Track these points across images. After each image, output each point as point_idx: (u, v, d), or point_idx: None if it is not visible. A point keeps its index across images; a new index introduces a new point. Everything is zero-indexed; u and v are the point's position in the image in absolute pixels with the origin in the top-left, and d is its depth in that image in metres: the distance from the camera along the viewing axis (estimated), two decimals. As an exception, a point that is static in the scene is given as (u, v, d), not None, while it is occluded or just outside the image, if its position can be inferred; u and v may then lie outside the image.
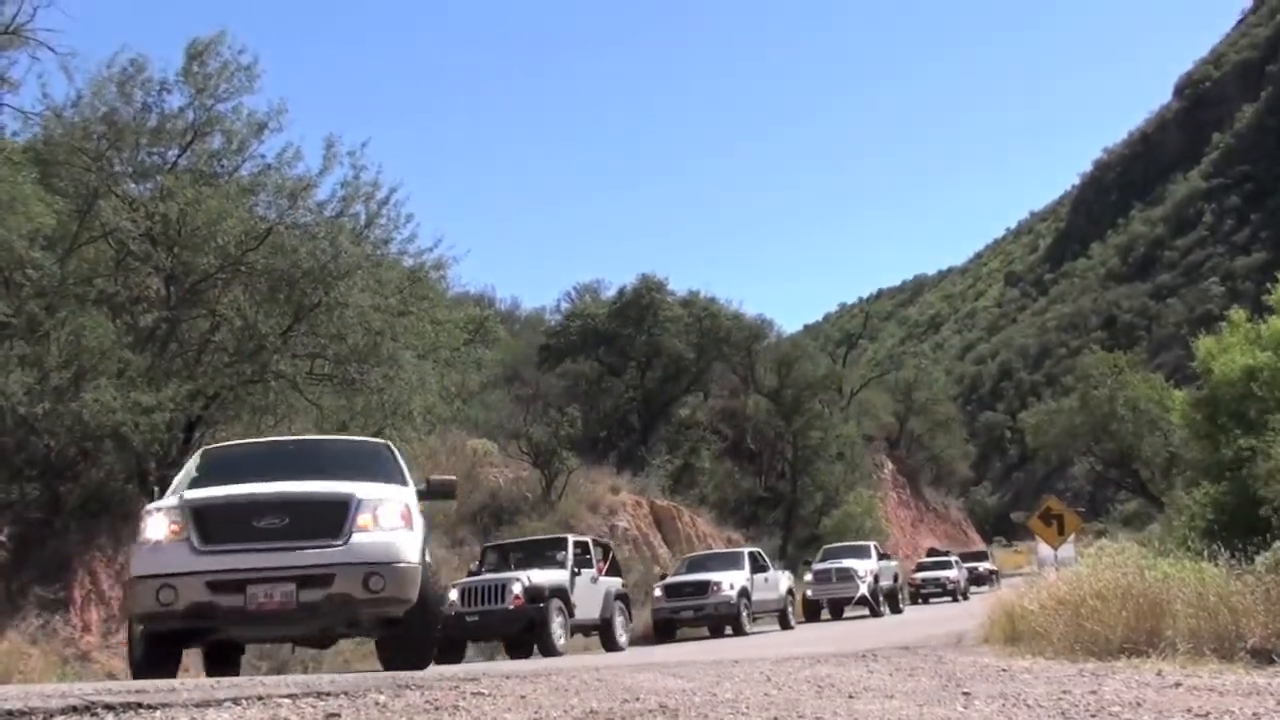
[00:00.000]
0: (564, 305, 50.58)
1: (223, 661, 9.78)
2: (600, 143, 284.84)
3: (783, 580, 25.81)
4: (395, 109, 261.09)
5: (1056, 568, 16.64)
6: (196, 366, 17.60)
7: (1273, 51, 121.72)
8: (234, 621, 7.96)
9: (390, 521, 8.13)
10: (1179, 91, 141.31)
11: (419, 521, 8.45)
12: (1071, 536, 19.70)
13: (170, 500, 8.29)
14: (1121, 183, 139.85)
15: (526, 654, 17.86)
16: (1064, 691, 5.58)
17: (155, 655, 8.35)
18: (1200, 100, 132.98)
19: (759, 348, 46.99)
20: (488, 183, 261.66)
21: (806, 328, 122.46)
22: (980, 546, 60.64)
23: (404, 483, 8.97)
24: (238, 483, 8.42)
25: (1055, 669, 7.42)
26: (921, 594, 37.35)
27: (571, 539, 19.81)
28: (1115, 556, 11.90)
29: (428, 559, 8.63)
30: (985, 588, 40.36)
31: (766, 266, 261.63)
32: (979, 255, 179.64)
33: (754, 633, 22.67)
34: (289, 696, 4.74)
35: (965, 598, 35.32)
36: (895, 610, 29.01)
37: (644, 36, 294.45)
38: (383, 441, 10.70)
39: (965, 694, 5.65)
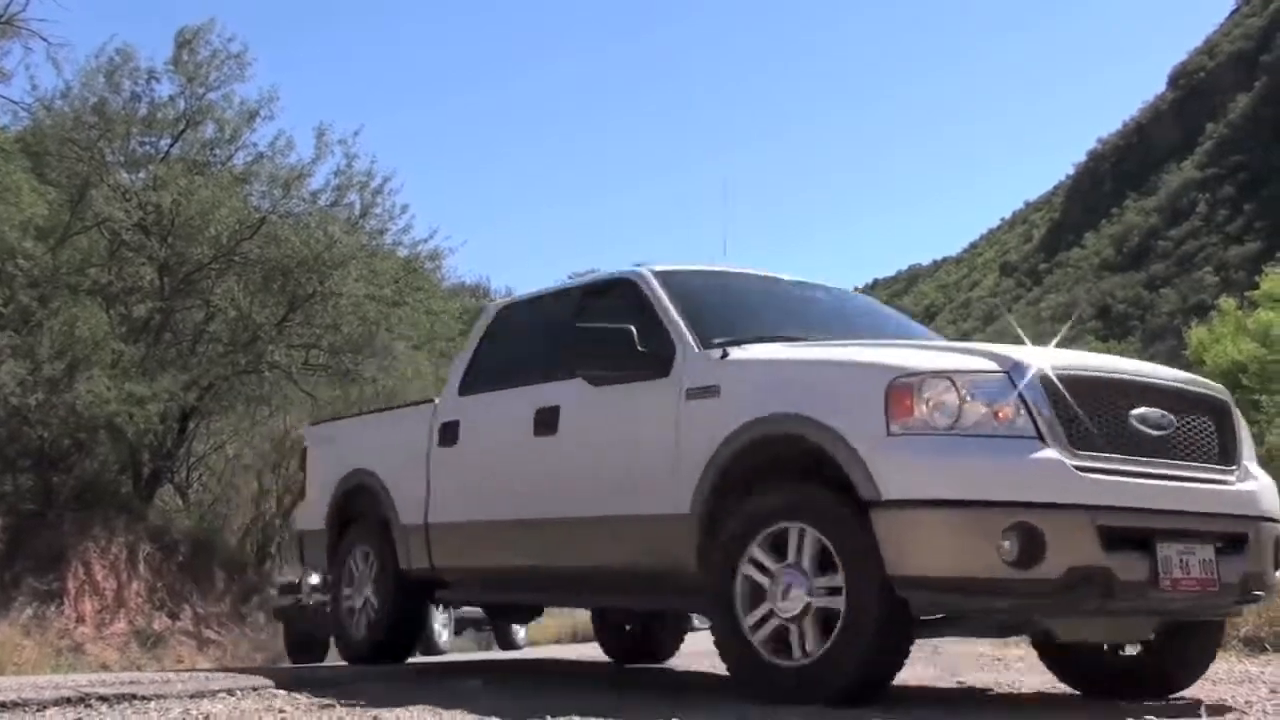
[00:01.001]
0: (558, 295, 50.59)
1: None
2: (597, 133, 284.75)
3: None
4: (390, 99, 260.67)
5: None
6: (191, 357, 17.57)
7: (1266, 42, 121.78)
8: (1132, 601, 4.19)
9: None
10: (1173, 81, 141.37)
11: None
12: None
13: (984, 362, 4.29)
14: (1116, 173, 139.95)
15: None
16: (1057, 681, 5.60)
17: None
18: (1194, 90, 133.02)
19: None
20: (483, 172, 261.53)
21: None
22: None
23: None
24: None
25: (1049, 658, 7.43)
26: None
27: None
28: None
29: None
30: None
31: (762, 256, 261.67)
32: (974, 245, 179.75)
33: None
34: (283, 688, 4.75)
35: None
36: None
37: (643, 31, 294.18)
38: None
39: (960, 682, 5.67)
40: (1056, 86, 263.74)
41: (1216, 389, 4.85)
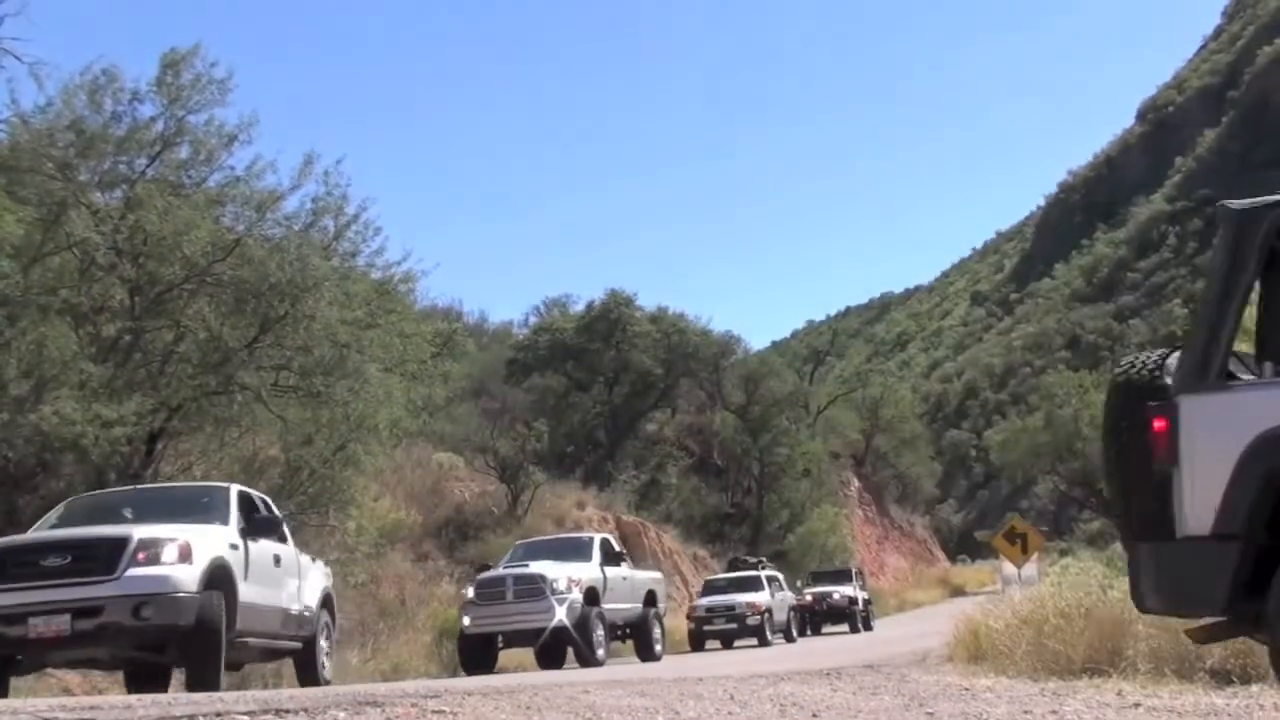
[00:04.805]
0: (532, 319, 50.64)
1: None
2: (569, 157, 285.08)
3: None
4: (362, 120, 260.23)
5: (1020, 587, 16.71)
6: (160, 378, 17.42)
7: (1234, 77, 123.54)
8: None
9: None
10: (1142, 115, 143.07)
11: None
12: (1035, 555, 19.82)
13: None
14: (1085, 204, 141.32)
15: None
16: (1025, 711, 5.61)
17: None
18: (1163, 124, 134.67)
19: (727, 364, 47.14)
20: (456, 194, 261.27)
21: (774, 344, 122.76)
22: (849, 564, 38.17)
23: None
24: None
25: (1018, 688, 7.46)
26: (705, 631, 25.48)
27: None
28: (1078, 576, 12.00)
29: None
30: (841, 626, 32.23)
31: (735, 283, 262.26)
32: (945, 274, 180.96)
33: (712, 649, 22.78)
34: (247, 713, 4.70)
35: (767, 641, 25.33)
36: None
37: (610, 54, 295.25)
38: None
39: (928, 713, 5.67)
40: (1027, 118, 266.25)
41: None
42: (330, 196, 18.62)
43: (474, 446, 33.91)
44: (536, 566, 17.39)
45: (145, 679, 10.86)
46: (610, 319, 44.66)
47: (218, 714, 4.81)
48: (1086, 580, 10.77)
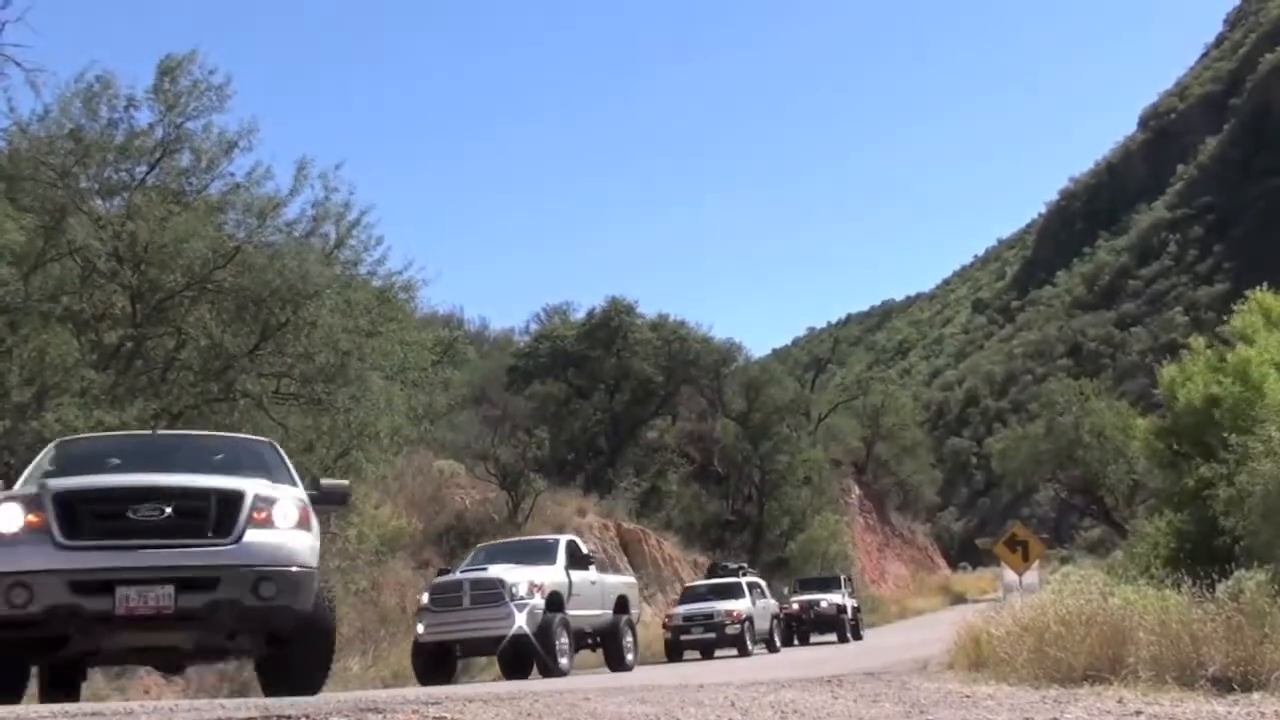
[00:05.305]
0: (533, 327, 50.71)
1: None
2: (570, 164, 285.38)
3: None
4: (361, 127, 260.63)
5: (1021, 594, 16.69)
6: (161, 385, 17.44)
7: (1235, 85, 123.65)
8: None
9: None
10: (1143, 123, 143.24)
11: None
12: (1036, 563, 19.81)
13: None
14: (1087, 212, 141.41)
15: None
16: (1026, 718, 5.60)
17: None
18: (1164, 132, 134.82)
19: (727, 371, 47.12)
20: (458, 201, 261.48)
21: (775, 352, 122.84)
22: (837, 572, 37.40)
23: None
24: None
25: (1019, 696, 7.45)
26: (682, 641, 24.40)
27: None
28: (1079, 583, 11.99)
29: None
30: (829, 635, 31.12)
31: (735, 290, 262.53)
32: (947, 282, 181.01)
33: (723, 656, 22.65)
34: (248, 719, 4.69)
35: (748, 651, 24.21)
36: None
37: (610, 59, 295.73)
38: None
39: (929, 721, 5.66)
40: (1029, 126, 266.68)
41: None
42: (330, 203, 18.69)
43: (475, 454, 33.88)
44: (495, 570, 16.30)
45: (63, 683, 8.46)
46: (611, 326, 44.66)
47: (218, 719, 4.81)
48: (1088, 588, 10.74)
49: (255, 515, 7.26)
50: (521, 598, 15.67)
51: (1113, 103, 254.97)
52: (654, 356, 44.62)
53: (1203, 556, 15.56)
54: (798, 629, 30.97)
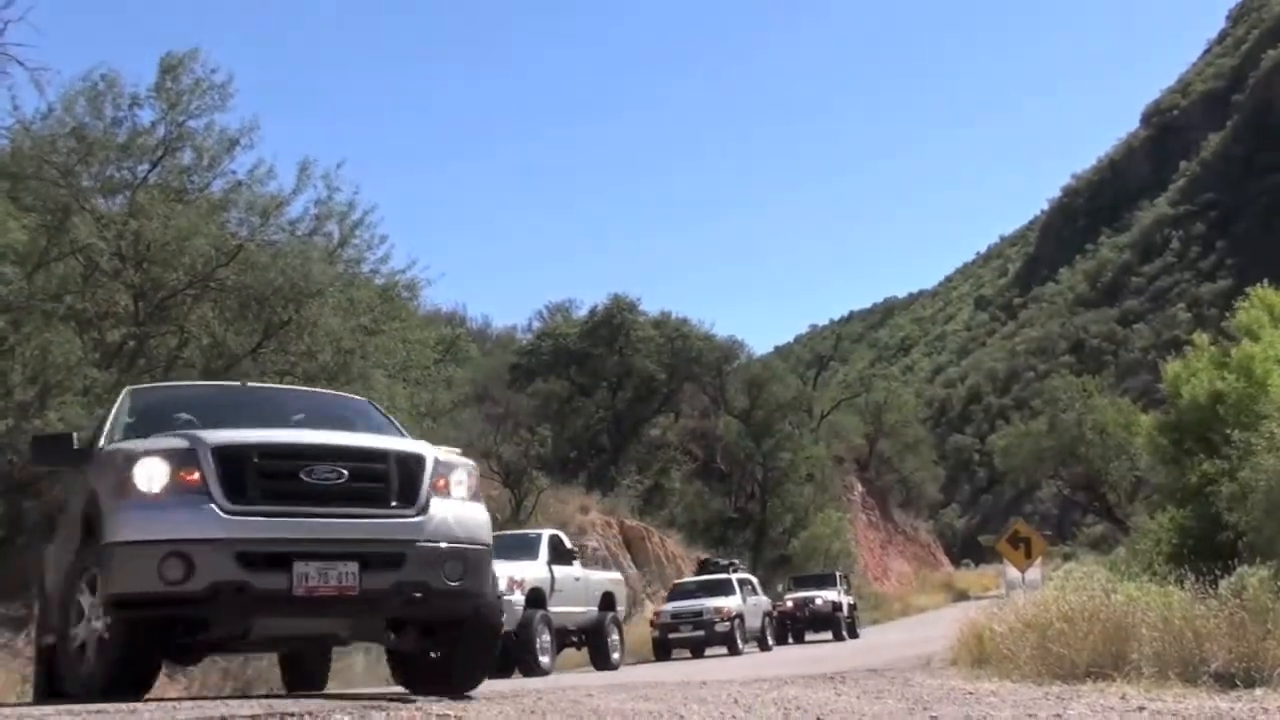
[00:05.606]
0: (535, 324, 50.74)
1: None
2: (572, 162, 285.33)
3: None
4: (364, 125, 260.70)
5: (1024, 591, 16.68)
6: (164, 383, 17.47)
7: (1238, 82, 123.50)
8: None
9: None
10: (1146, 120, 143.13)
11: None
12: (1039, 560, 19.79)
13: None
14: (1090, 209, 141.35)
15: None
16: (1029, 715, 5.60)
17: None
18: (1167, 128, 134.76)
19: (730, 369, 47.14)
20: (460, 198, 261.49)
21: (777, 349, 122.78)
22: (831, 569, 35.70)
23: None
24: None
25: (1021, 692, 7.45)
26: (670, 639, 23.79)
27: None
28: (1082, 580, 12.00)
29: None
30: (824, 634, 30.49)
31: (738, 288, 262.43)
32: (949, 279, 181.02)
33: (715, 656, 22.60)
34: (251, 717, 4.70)
35: (738, 649, 23.70)
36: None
37: (612, 58, 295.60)
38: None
39: (932, 717, 5.66)
40: (1031, 123, 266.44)
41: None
42: (334, 202, 18.71)
43: (477, 451, 33.80)
44: None
45: None
46: (614, 324, 44.69)
47: (222, 718, 4.81)
48: (1090, 584, 10.75)
49: (436, 483, 6.19)
50: (500, 594, 15.30)
51: (1115, 99, 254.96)
52: (656, 354, 44.65)
53: (1205, 552, 15.56)
54: (792, 627, 30.38)
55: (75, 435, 6.98)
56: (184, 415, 6.90)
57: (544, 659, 15.68)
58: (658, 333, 45.34)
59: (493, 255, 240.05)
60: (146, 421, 6.81)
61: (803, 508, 44.70)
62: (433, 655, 6.61)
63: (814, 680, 8.79)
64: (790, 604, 30.67)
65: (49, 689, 7.49)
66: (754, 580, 27.62)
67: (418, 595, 5.92)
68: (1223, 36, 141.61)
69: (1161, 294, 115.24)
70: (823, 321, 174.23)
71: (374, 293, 19.56)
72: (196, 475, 5.66)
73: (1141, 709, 6.01)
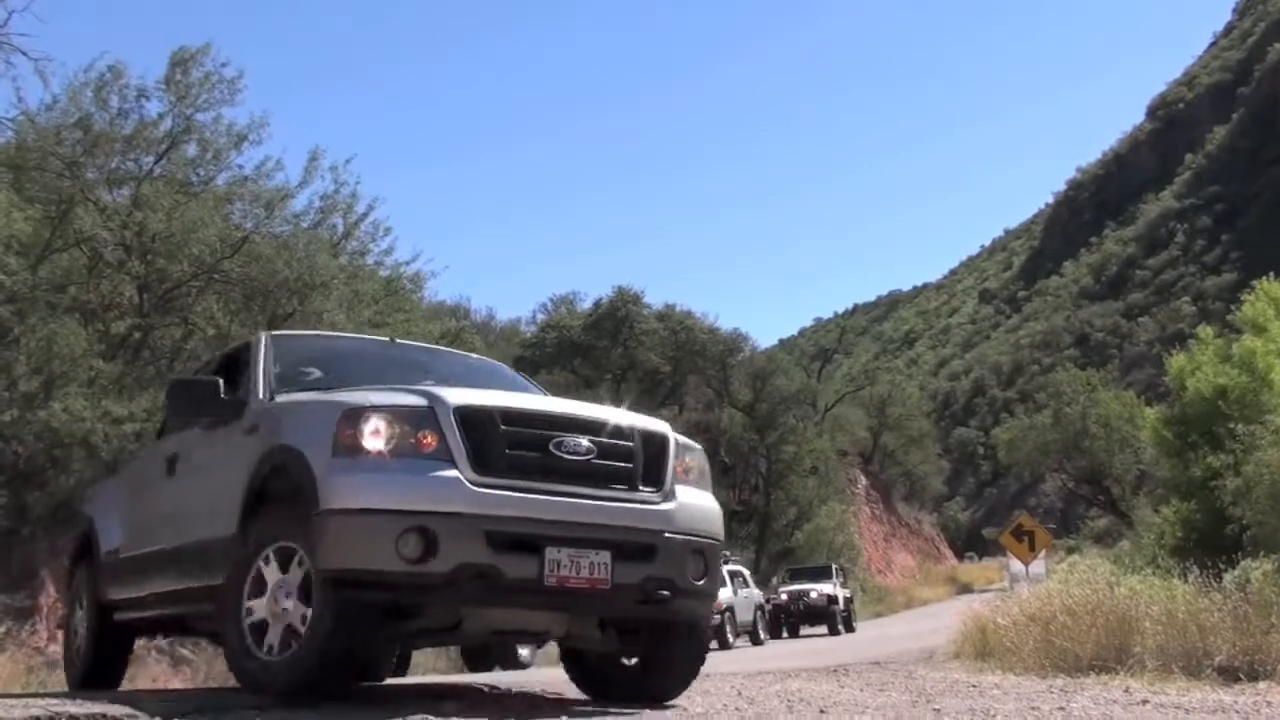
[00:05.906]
0: (540, 317, 50.65)
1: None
2: (578, 156, 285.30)
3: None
4: (371, 119, 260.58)
5: (1028, 584, 16.68)
6: (169, 374, 17.49)
7: (1244, 74, 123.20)
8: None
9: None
10: (1151, 112, 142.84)
11: None
12: (1043, 553, 19.79)
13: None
14: (1095, 202, 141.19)
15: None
16: (1032, 708, 5.60)
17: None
18: (1172, 121, 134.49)
19: (734, 362, 47.10)
20: (465, 193, 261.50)
21: (781, 342, 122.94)
22: (826, 562, 35.69)
23: None
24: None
25: (1025, 685, 7.46)
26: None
27: None
28: (1086, 573, 11.99)
29: None
30: (819, 628, 29.96)
31: (742, 280, 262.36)
32: (953, 272, 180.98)
33: (729, 647, 22.57)
34: (256, 708, 4.71)
35: (728, 644, 23.38)
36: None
37: (619, 55, 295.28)
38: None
39: (935, 709, 5.66)
40: (1036, 116, 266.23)
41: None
42: (339, 195, 18.74)
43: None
44: None
45: None
46: (618, 317, 44.69)
47: (225, 708, 4.83)
48: (1094, 577, 10.74)
49: (678, 466, 5.45)
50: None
51: (1121, 92, 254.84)
52: (661, 347, 44.64)
53: (1209, 546, 15.55)
54: (786, 621, 29.83)
55: (220, 382, 5.92)
56: (317, 371, 6.13)
57: (523, 651, 15.52)
58: (662, 325, 45.32)
59: (498, 248, 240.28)
60: (292, 375, 5.99)
61: (807, 501, 44.71)
62: (625, 661, 5.87)
63: (817, 673, 8.81)
64: (784, 597, 30.12)
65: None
66: (745, 572, 27.26)
67: (664, 593, 5.16)
68: (1229, 29, 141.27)
69: (1166, 287, 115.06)
70: (827, 314, 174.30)
71: (379, 285, 19.59)
72: (436, 439, 4.85)
73: (1145, 702, 6.02)
